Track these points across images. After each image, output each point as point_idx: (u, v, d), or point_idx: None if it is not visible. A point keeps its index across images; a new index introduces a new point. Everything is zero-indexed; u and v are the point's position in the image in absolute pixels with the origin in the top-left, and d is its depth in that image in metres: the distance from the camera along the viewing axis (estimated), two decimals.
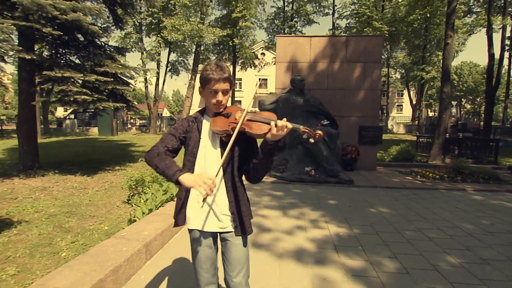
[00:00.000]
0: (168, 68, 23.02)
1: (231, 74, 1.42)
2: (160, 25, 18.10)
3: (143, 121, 30.31)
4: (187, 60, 23.47)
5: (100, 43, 7.15)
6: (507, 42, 23.46)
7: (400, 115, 51.38)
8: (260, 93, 41.10)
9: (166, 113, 60.55)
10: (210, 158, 1.42)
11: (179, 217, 1.47)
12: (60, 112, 51.58)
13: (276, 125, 1.22)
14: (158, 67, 22.57)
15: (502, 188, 6.28)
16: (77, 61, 6.60)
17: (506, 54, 25.61)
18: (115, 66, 6.55)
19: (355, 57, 8.37)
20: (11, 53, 5.20)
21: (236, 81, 22.98)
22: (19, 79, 6.67)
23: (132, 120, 35.90)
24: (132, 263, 2.46)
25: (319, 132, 1.32)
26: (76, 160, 8.79)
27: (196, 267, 1.49)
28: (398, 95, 55.00)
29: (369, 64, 8.31)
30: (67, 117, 28.09)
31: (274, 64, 9.52)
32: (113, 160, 8.99)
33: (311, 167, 6.72)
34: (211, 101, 1.39)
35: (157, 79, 22.68)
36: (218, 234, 1.50)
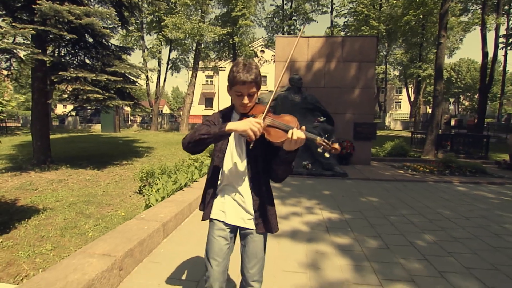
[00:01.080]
0: (169, 66, 23.37)
1: (259, 74, 1.38)
2: (162, 23, 18.41)
3: (144, 118, 30.64)
4: (188, 57, 23.85)
5: (107, 44, 7.55)
6: (503, 40, 23.91)
7: (399, 111, 51.77)
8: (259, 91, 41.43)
9: (166, 110, 60.81)
10: (236, 156, 1.46)
11: (207, 212, 1.53)
12: (59, 109, 51.76)
13: (291, 138, 1.21)
14: (159, 65, 22.93)
15: (485, 181, 6.74)
16: (87, 61, 6.98)
17: (502, 52, 26.05)
18: (123, 66, 6.95)
19: (351, 56, 8.78)
20: (27, 55, 5.59)
21: None
22: (32, 79, 7.06)
23: (132, 117, 36.26)
24: (153, 239, 2.90)
25: (336, 146, 1.25)
26: (84, 155, 9.21)
27: (208, 257, 1.51)
28: (396, 92, 55.33)
29: (364, 63, 8.72)
30: (69, 114, 28.41)
31: (274, 62, 9.90)
32: (120, 155, 9.41)
33: (308, 161, 7.15)
34: (237, 102, 1.41)
35: (158, 76, 23.05)
36: (238, 230, 1.53)
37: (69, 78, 5.82)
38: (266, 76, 41.25)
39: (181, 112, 39.62)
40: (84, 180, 6.22)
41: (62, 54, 6.73)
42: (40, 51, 5.30)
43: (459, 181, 6.72)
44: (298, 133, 1.21)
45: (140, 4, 7.04)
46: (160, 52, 22.10)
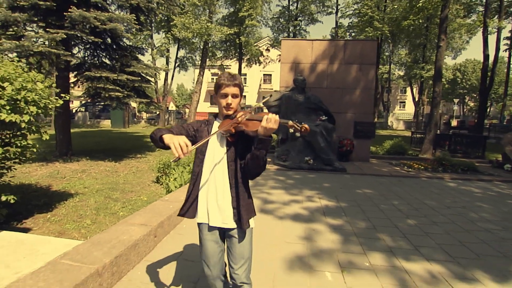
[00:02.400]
0: (176, 64, 23.97)
1: (242, 82, 1.58)
2: (171, 23, 18.96)
3: (151, 114, 31.32)
4: (195, 56, 24.41)
5: (124, 45, 8.14)
6: (507, 42, 24.10)
7: (403, 111, 51.91)
8: (264, 88, 41.97)
9: (172, 107, 61.53)
10: (217, 156, 1.54)
11: (189, 211, 1.58)
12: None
13: (266, 122, 1.32)
14: (167, 63, 23.54)
15: (475, 178, 7.22)
16: (107, 61, 7.57)
17: (505, 54, 26.19)
18: (140, 66, 7.54)
19: (352, 59, 9.27)
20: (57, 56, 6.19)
21: (241, 76, 23.73)
22: (57, 77, 7.69)
23: (138, 114, 36.97)
24: (177, 216, 3.47)
25: (305, 126, 1.41)
26: (100, 149, 9.83)
27: (204, 260, 1.59)
28: (401, 92, 55.42)
29: (365, 65, 9.20)
30: (78, 110, 29.17)
31: (279, 61, 10.39)
32: (133, 149, 10.03)
33: (310, 157, 7.69)
34: (222, 103, 1.53)
35: (166, 74, 23.64)
36: (224, 230, 1.58)
37: (93, 77, 6.41)
38: (271, 75, 41.74)
39: (186, 110, 40.30)
40: (104, 170, 6.83)
41: (85, 55, 7.32)
42: (69, 53, 5.89)
43: (450, 177, 7.22)
44: (271, 115, 1.33)
45: (155, 9, 7.58)
46: (168, 51, 22.70)
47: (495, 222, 4.02)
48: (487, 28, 15.59)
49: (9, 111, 3.01)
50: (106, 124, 23.28)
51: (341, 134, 8.91)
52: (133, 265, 2.50)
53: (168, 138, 1.37)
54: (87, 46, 7.13)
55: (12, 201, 3.23)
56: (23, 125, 3.13)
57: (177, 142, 1.30)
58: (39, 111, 3.37)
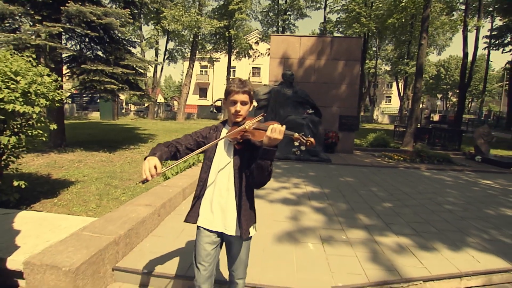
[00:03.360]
0: (165, 56, 23.94)
1: (252, 89, 1.58)
2: (160, 15, 18.90)
3: (140, 107, 31.16)
4: (185, 48, 24.40)
5: (117, 38, 8.29)
6: (486, 40, 25.10)
7: (389, 106, 53.10)
8: (253, 82, 42.18)
9: (160, 99, 60.97)
10: (224, 163, 1.57)
11: (192, 215, 1.64)
12: None
13: (271, 132, 1.31)
14: (156, 55, 23.46)
15: (448, 168, 7.83)
16: (101, 54, 7.74)
17: (480, 52, 27.19)
18: (134, 59, 7.75)
19: (338, 55, 9.70)
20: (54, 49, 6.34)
21: (230, 69, 24.00)
22: (50, 70, 7.79)
23: (125, 106, 36.66)
24: (176, 198, 3.83)
25: (311, 139, 1.40)
26: (93, 140, 9.99)
27: (196, 263, 1.63)
28: (387, 87, 56.64)
29: (350, 62, 9.66)
30: (65, 102, 28.74)
31: (268, 55, 10.71)
32: (125, 141, 10.23)
33: (297, 148, 8.12)
34: (231, 110, 1.55)
35: (155, 66, 23.57)
36: (224, 235, 1.62)
37: (89, 70, 6.61)
38: (260, 68, 41.97)
39: (175, 102, 40.13)
40: (100, 161, 7.07)
41: (80, 49, 7.47)
42: (66, 46, 6.07)
43: (426, 168, 7.80)
44: (276, 125, 1.31)
45: (148, 3, 7.77)
46: (157, 43, 22.61)
47: (458, 205, 4.56)
48: (467, 27, 16.31)
49: (22, 103, 3.28)
50: (94, 116, 23.13)
51: (327, 127, 9.38)
52: (142, 238, 2.86)
53: (145, 160, 1.41)
54: (82, 39, 7.28)
55: (23, 186, 3.52)
56: (34, 116, 3.41)
57: (147, 166, 1.36)
58: (48, 103, 3.64)
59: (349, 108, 9.71)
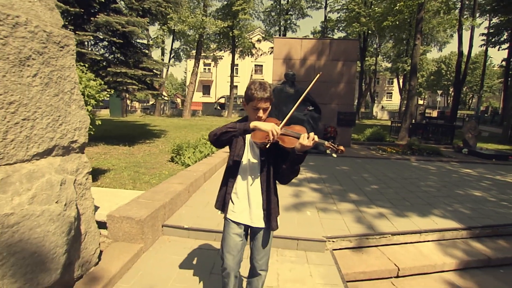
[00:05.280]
0: (171, 55, 24.75)
1: (272, 93, 1.62)
2: (167, 16, 19.66)
3: (146, 104, 32.05)
4: (189, 48, 25.19)
5: (135, 43, 9.13)
6: (484, 38, 25.69)
7: (390, 102, 53.73)
8: (255, 79, 42.82)
9: (165, 96, 61.78)
10: (251, 161, 1.68)
11: (219, 203, 1.82)
12: None
13: (303, 137, 1.41)
14: (162, 54, 24.28)
15: (436, 159, 8.64)
16: (122, 58, 8.58)
17: (476, 50, 27.73)
18: (150, 62, 8.59)
19: (337, 56, 10.48)
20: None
21: (234, 67, 24.76)
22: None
23: (130, 104, 37.57)
24: (200, 180, 4.68)
25: (342, 148, 1.50)
26: (110, 135, 10.86)
27: (224, 251, 1.74)
28: (388, 83, 57.16)
29: (348, 62, 10.44)
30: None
31: (271, 53, 11.49)
32: (140, 136, 11.09)
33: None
34: (253, 115, 1.63)
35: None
36: (250, 228, 1.75)
37: (114, 72, 7.46)
38: (262, 66, 42.69)
39: (177, 99, 40.93)
40: (122, 153, 7.93)
41: (105, 53, 8.32)
42: (96, 52, 6.92)
43: (416, 159, 8.61)
44: (311, 135, 1.45)
45: (164, 12, 8.59)
46: (163, 42, 23.41)
47: (435, 187, 5.38)
48: (462, 27, 17.00)
49: None
50: (103, 113, 24.01)
51: (326, 122, 10.19)
52: (179, 207, 3.72)
53: (262, 125, 1.51)
54: (106, 45, 8.12)
55: None
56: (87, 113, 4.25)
57: (273, 128, 1.48)
58: (95, 103, 4.49)
59: (347, 105, 10.51)
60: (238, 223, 1.74)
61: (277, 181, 1.75)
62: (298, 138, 1.48)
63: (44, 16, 1.90)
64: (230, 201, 1.76)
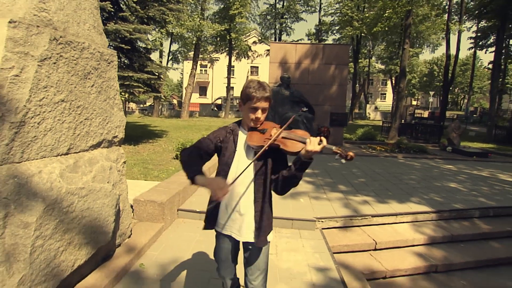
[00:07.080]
0: (169, 58, 25.24)
1: (271, 93, 1.49)
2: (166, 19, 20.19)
3: (143, 105, 32.49)
4: (187, 50, 25.74)
5: (139, 47, 9.66)
6: (472, 41, 26.57)
7: (383, 103, 54.68)
8: (252, 79, 43.40)
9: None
10: (242, 169, 1.46)
11: (210, 221, 1.65)
12: None
13: (311, 142, 1.33)
14: (160, 56, 24.76)
15: (421, 156, 9.29)
16: (127, 62, 9.11)
17: (465, 52, 28.63)
18: (154, 66, 9.13)
19: (329, 60, 11.11)
20: None
21: (230, 69, 25.34)
22: None
23: (128, 104, 37.99)
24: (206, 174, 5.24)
25: (351, 154, 1.37)
26: None
27: (217, 260, 1.71)
28: (382, 84, 58.16)
29: (340, 66, 11.08)
30: None
31: (267, 55, 12.08)
32: (143, 136, 11.60)
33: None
34: (250, 116, 1.50)
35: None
36: (241, 241, 1.61)
37: (120, 76, 7.98)
38: (258, 67, 43.28)
39: (174, 100, 41.36)
40: (128, 152, 8.45)
41: None
42: None
43: (403, 156, 9.26)
44: (317, 141, 1.35)
45: (167, 19, 9.14)
46: (161, 45, 23.90)
47: (416, 180, 6.01)
48: (449, 32, 17.78)
49: None
50: None
51: (320, 122, 10.80)
52: (190, 195, 4.29)
53: (201, 180, 1.48)
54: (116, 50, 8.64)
55: None
56: None
57: (216, 185, 1.39)
58: None
59: (339, 106, 11.14)
60: (228, 236, 1.62)
61: (272, 191, 1.62)
62: (303, 143, 1.41)
63: (97, 39, 2.47)
64: (219, 212, 1.64)
